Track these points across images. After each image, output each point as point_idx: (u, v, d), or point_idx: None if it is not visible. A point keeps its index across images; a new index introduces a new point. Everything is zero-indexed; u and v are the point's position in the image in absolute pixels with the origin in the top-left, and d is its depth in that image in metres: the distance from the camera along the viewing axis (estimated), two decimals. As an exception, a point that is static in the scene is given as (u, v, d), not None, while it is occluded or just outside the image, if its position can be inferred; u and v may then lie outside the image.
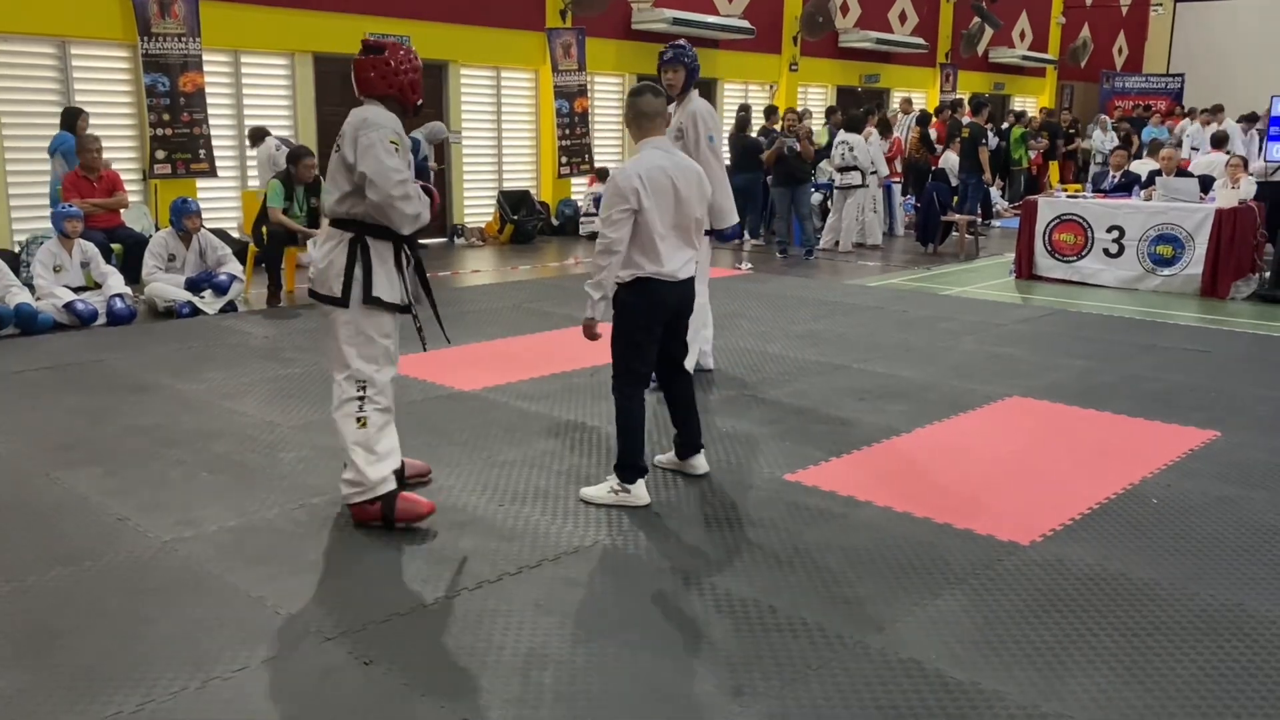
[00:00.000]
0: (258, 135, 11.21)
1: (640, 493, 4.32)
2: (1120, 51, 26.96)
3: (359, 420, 3.99)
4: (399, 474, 4.17)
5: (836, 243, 13.05)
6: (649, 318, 4.26)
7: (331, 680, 2.99)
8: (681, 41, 6.09)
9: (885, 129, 14.94)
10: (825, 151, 13.83)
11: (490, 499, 4.41)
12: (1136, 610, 3.45)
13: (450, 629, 3.29)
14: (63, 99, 10.28)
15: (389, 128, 3.88)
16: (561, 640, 3.22)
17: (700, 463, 4.71)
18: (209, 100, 11.00)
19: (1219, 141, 13.23)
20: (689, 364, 5.73)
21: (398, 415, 5.58)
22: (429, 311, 4.31)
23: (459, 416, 5.61)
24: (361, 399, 3.99)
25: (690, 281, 4.35)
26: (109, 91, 10.64)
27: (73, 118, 9.65)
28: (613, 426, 4.55)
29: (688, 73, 5.95)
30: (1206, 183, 10.76)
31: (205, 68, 10.89)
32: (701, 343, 6.32)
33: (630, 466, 4.31)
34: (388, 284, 3.99)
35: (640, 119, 4.31)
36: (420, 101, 4.09)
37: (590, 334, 4.29)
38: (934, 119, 16.68)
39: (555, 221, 14.34)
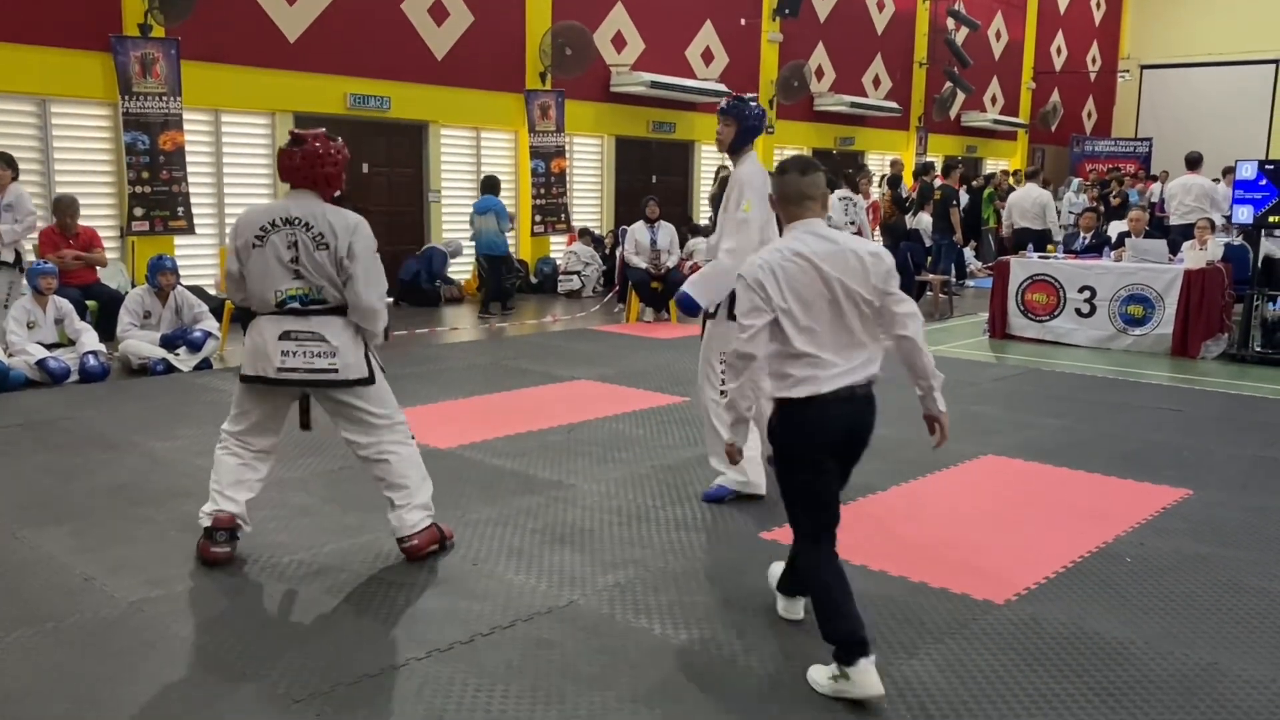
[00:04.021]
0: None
1: (865, 679, 3.18)
2: (1089, 116, 27.55)
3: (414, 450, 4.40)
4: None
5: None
6: (810, 449, 3.33)
7: (298, 744, 2.93)
8: (749, 96, 5.46)
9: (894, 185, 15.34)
10: None
11: (463, 558, 4.37)
12: (1111, 670, 3.44)
13: (421, 691, 3.24)
14: (42, 156, 10.30)
15: (373, 238, 4.21)
16: (534, 702, 3.18)
17: (796, 607, 3.80)
18: (189, 158, 11.04)
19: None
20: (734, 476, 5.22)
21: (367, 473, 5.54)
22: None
23: (433, 474, 5.52)
24: (413, 437, 4.42)
25: (866, 393, 3.36)
26: (88, 149, 10.67)
27: (495, 184, 12.27)
28: (595, 486, 4.49)
29: (741, 128, 5.17)
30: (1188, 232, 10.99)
31: (185, 126, 10.95)
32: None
33: (840, 644, 3.25)
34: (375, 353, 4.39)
35: (785, 203, 3.49)
36: (339, 193, 4.29)
37: (731, 458, 3.56)
38: (907, 182, 16.97)
39: (534, 279, 14.41)
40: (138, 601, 3.88)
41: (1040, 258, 11.27)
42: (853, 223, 13.07)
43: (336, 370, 4.15)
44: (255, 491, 4.39)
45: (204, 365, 8.49)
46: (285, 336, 4.13)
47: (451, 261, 13.33)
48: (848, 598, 3.28)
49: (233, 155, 11.75)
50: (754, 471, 5.18)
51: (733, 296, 5.03)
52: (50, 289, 8.13)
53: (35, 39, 9.99)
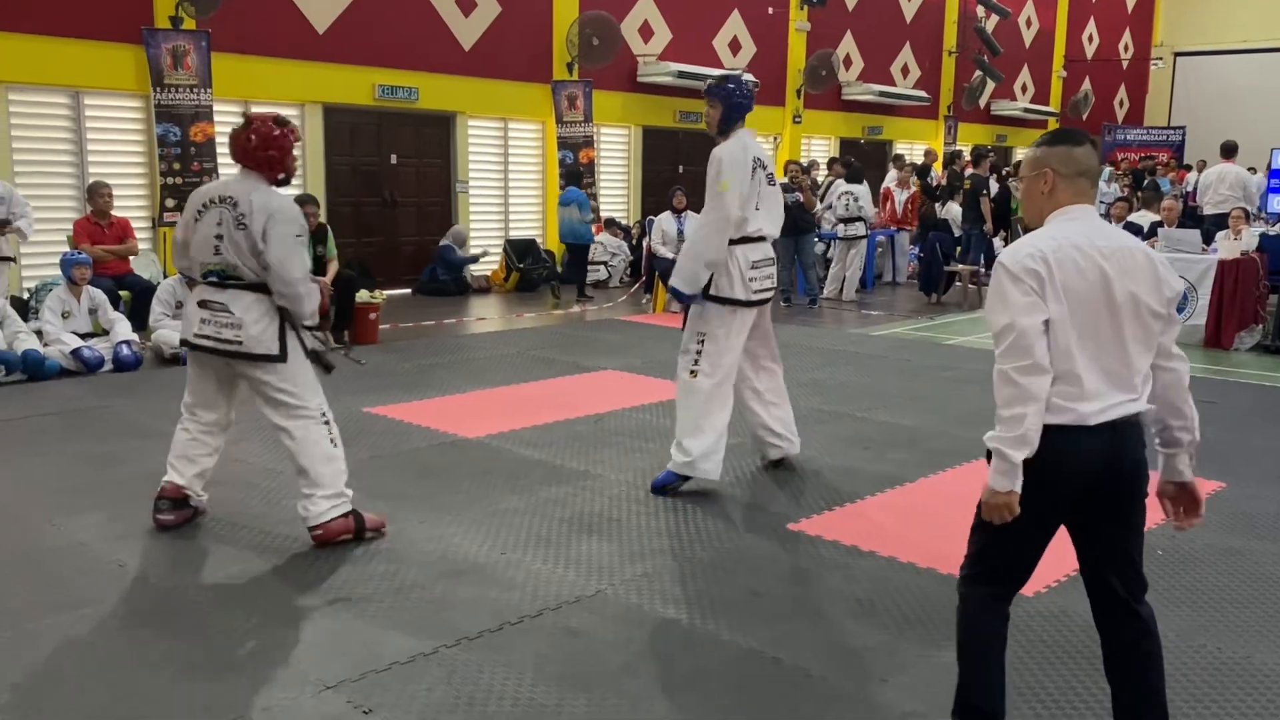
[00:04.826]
0: None
1: None
2: (1121, 104, 27.24)
3: (332, 441, 4.41)
4: None
5: (840, 291, 13.10)
6: (1040, 492, 2.56)
7: (330, 730, 2.97)
8: (737, 72, 5.59)
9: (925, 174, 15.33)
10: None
11: (492, 547, 4.40)
12: (1143, 663, 3.41)
13: (451, 678, 3.27)
14: (75, 148, 10.42)
15: (296, 221, 4.34)
16: (563, 690, 3.19)
17: None
18: (219, 149, 11.12)
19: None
20: (682, 460, 5.04)
21: (400, 462, 5.59)
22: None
23: (461, 464, 5.60)
24: (328, 424, 4.42)
25: (1130, 430, 2.64)
26: (120, 140, 10.78)
27: (577, 177, 13.27)
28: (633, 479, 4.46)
29: (726, 108, 5.11)
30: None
31: (216, 117, 11.03)
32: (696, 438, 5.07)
33: (966, 708, 2.73)
34: (308, 337, 4.48)
35: (1059, 179, 2.67)
36: (283, 176, 4.45)
37: (1002, 511, 2.57)
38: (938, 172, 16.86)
39: (560, 270, 14.43)
40: (171, 588, 3.93)
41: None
42: (859, 217, 12.98)
43: (241, 343, 4.29)
44: (203, 466, 4.62)
45: (235, 355, 8.55)
46: (203, 305, 4.35)
47: (462, 251, 13.24)
48: (1000, 665, 2.72)
49: (262, 146, 11.81)
50: (708, 462, 5.06)
51: (713, 276, 4.98)
52: (84, 279, 8.22)
53: (69, 32, 10.10)
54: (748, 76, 15.85)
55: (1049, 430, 2.53)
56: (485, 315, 11.51)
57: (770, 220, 5.24)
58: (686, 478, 5.11)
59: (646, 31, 15.47)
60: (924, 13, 20.58)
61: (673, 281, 5.13)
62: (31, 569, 4.12)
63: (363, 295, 9.34)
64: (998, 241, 16.30)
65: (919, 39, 20.58)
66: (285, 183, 4.51)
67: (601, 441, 6.07)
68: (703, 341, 5.09)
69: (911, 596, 3.92)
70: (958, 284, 13.06)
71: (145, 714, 3.02)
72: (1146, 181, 17.10)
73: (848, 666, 3.37)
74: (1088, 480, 2.59)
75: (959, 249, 13.65)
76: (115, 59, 10.42)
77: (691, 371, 5.12)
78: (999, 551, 2.69)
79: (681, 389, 5.16)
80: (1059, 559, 4.25)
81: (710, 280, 5.03)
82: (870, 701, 3.15)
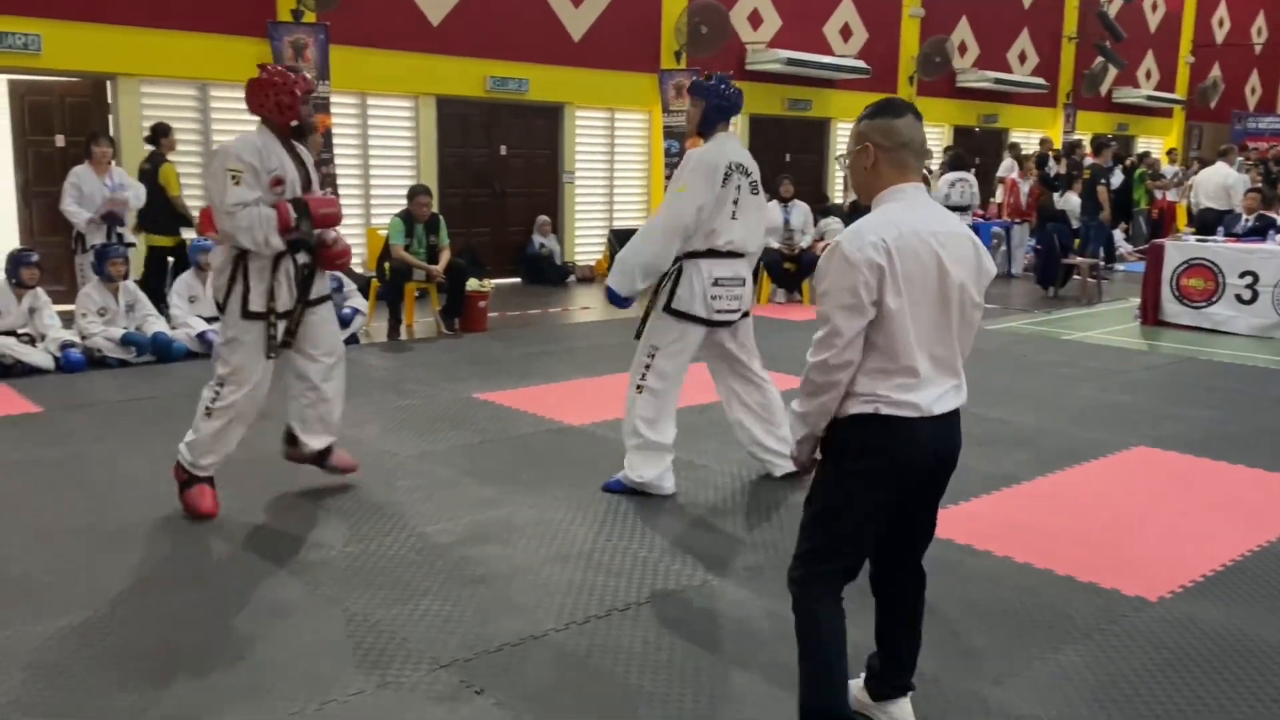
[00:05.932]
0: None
1: None
2: (1253, 91, 25.98)
3: (207, 411, 4.60)
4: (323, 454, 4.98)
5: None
6: (879, 481, 2.61)
7: (444, 708, 3.03)
8: (726, 74, 5.11)
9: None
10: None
11: (599, 534, 4.43)
12: (1274, 675, 3.26)
13: (559, 662, 3.31)
14: (201, 138, 10.83)
15: (233, 155, 4.48)
16: (670, 680, 3.20)
17: (904, 711, 2.89)
18: (335, 140, 11.43)
19: None
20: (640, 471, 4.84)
21: (508, 447, 5.66)
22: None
23: (568, 450, 5.66)
24: (220, 389, 4.59)
25: (955, 420, 2.67)
26: (243, 131, 11.13)
27: None
28: (731, 471, 4.41)
29: (707, 108, 4.80)
30: None
31: (332, 109, 11.33)
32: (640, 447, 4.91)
33: (815, 712, 2.65)
34: (259, 297, 4.53)
35: (883, 153, 2.61)
36: (295, 122, 4.64)
37: (803, 466, 2.81)
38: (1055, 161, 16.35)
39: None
40: (292, 565, 4.06)
41: (1198, 241, 10.72)
42: (968, 207, 12.70)
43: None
44: (304, 415, 5.02)
45: (351, 341, 8.79)
46: None
47: (550, 233, 13.42)
48: (843, 662, 2.66)
49: (378, 137, 12.11)
50: (656, 471, 4.89)
51: (674, 287, 4.72)
52: (210, 265, 8.54)
53: (198, 26, 10.51)
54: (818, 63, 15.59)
55: (894, 423, 2.55)
56: (589, 305, 11.59)
57: (747, 233, 4.85)
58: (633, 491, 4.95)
59: (756, 19, 15.35)
60: (1043, -3, 19.96)
61: (608, 281, 4.84)
62: (157, 543, 4.31)
63: (472, 284, 9.51)
64: (1118, 233, 15.79)
65: (1037, 24, 19.96)
66: (300, 132, 4.71)
67: (705, 432, 6.05)
68: (654, 356, 4.87)
69: (1027, 597, 3.82)
70: (1076, 277, 12.66)
71: (271, 688, 3.13)
72: (1276, 172, 16.31)
73: (960, 667, 3.30)
74: (927, 471, 2.65)
75: (1077, 240, 13.23)
76: (240, 52, 10.78)
77: (639, 386, 4.90)
78: (844, 542, 2.69)
79: (628, 402, 4.96)
80: (1184, 562, 4.11)
81: (672, 292, 4.78)
82: (985, 703, 3.08)
